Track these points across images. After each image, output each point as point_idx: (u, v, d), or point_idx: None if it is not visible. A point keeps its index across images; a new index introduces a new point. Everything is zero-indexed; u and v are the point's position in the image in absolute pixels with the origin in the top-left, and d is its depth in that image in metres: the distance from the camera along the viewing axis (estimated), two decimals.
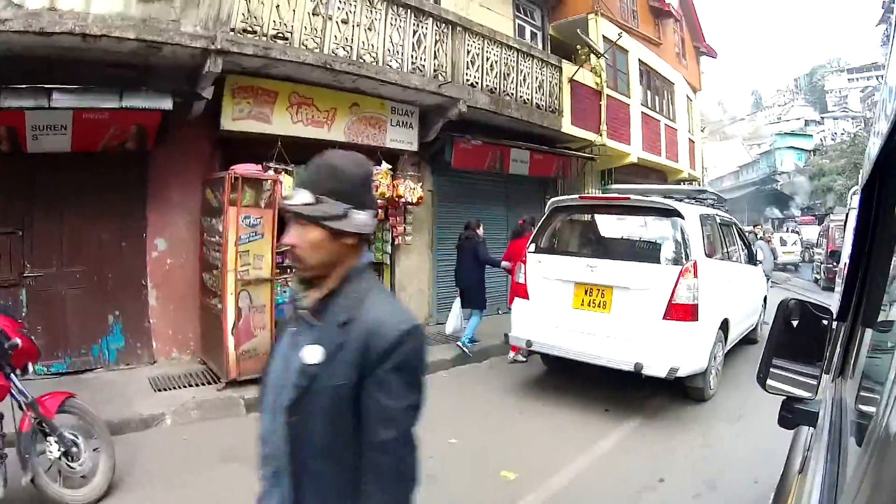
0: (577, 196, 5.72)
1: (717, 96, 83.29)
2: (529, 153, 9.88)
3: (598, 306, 5.33)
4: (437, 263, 9.04)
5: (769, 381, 1.43)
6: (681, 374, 4.87)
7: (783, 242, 22.17)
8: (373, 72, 6.64)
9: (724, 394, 5.62)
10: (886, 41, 35.64)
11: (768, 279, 9.41)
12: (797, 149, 40.37)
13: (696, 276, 4.94)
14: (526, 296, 5.79)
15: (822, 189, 32.50)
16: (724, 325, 5.65)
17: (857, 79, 57.47)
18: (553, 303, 5.55)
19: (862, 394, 1.14)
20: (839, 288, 7.05)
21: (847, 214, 7.28)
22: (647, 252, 5.42)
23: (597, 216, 5.99)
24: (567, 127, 10.09)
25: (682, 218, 5.22)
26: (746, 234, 7.85)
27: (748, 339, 7.36)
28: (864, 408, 1.05)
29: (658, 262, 5.16)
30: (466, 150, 8.75)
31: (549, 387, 5.94)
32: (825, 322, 1.44)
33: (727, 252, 6.38)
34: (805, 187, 33.83)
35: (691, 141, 15.11)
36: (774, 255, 8.70)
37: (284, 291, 5.98)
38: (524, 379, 6.26)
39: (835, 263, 12.55)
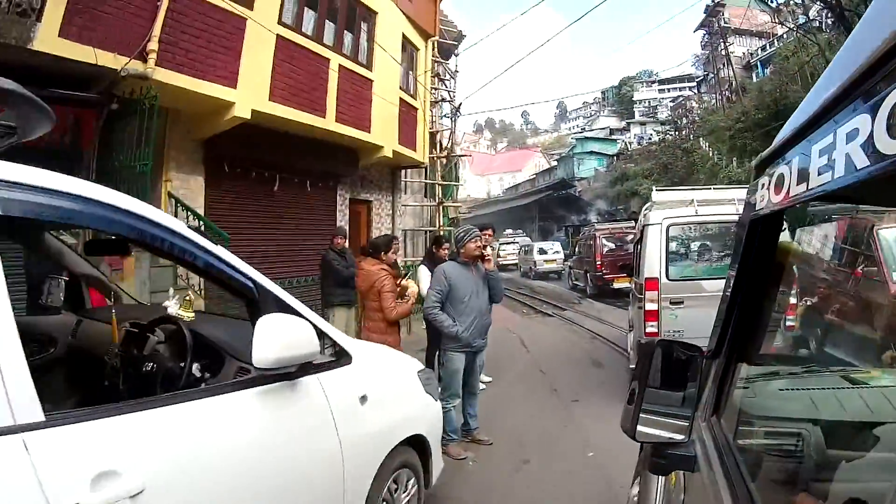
0: None
1: (520, 108, 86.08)
2: None
3: None
4: None
5: (639, 428, 1.29)
6: None
7: (542, 252, 22.87)
8: None
9: None
10: (708, 44, 35.91)
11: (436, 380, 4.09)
12: (599, 154, 39.57)
13: None
14: None
15: (625, 193, 30.71)
16: None
17: (669, 89, 56.93)
18: None
19: (742, 429, 1.30)
20: (639, 303, 5.75)
21: (643, 229, 6.03)
22: None
23: None
24: None
25: None
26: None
27: None
28: (744, 442, 1.25)
29: None
30: None
31: None
32: (693, 360, 1.35)
33: None
34: (606, 192, 32.26)
35: (409, 107, 9.74)
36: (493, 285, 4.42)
37: None
38: None
39: (605, 272, 15.13)
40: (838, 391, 1.34)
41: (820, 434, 1.17)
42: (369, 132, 8.47)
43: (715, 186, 6.97)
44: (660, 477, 1.63)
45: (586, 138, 43.24)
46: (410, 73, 9.99)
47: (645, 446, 1.35)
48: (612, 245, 15.75)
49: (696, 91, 42.40)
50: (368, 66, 8.72)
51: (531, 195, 37.16)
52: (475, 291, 4.03)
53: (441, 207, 12.43)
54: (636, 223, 9.38)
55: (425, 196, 13.21)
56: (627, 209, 28.95)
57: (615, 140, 43.83)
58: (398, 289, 4.30)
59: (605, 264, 15.41)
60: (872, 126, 0.62)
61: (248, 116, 6.57)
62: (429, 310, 3.98)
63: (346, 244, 6.65)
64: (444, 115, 16.33)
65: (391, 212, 10.89)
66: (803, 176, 0.83)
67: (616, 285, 14.91)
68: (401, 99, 9.36)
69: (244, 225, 7.77)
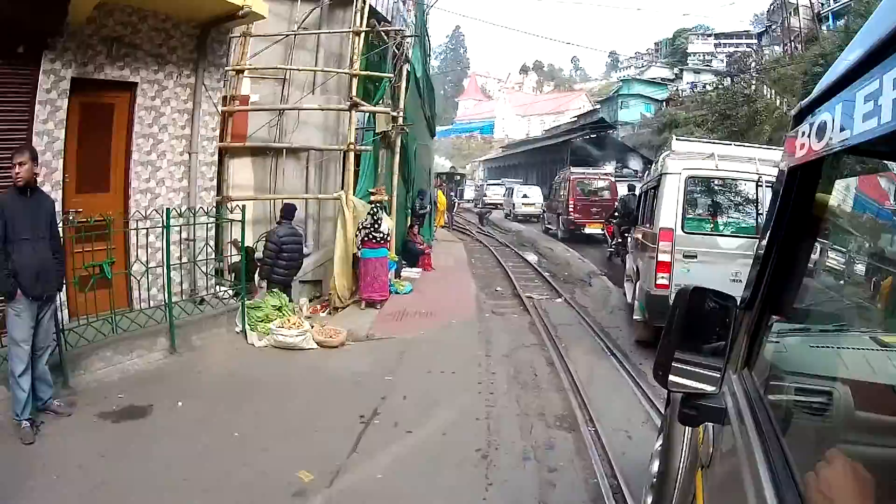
0: None
1: (570, 53, 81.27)
2: None
3: None
4: None
5: (671, 378, 1.26)
6: None
7: (525, 196, 23.20)
8: None
9: None
10: None
11: None
12: (647, 98, 33.63)
13: None
14: None
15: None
16: None
17: (725, 44, 50.35)
18: None
19: (772, 383, 1.30)
20: (649, 253, 5.67)
21: (660, 178, 5.77)
22: None
23: None
24: None
25: None
26: None
27: None
28: (774, 397, 1.24)
29: None
30: None
31: None
32: (727, 311, 1.30)
33: None
34: (650, 140, 27.19)
35: None
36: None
37: None
38: None
39: (577, 217, 15.31)
40: (868, 352, 1.25)
41: (849, 394, 1.12)
42: None
43: (736, 143, 6.77)
44: (686, 429, 1.61)
45: (634, 80, 37.34)
46: None
47: (673, 397, 1.39)
48: (585, 190, 15.76)
49: (755, 46, 37.77)
50: None
51: (562, 136, 32.52)
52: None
53: (353, 113, 7.33)
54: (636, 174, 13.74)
55: (348, 97, 8.07)
56: None
57: (665, 85, 37.53)
58: None
59: (577, 209, 15.27)
60: None
61: None
62: None
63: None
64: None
65: (190, 107, 5.64)
66: (846, 123, 0.78)
67: (587, 230, 14.95)
68: None
69: None
